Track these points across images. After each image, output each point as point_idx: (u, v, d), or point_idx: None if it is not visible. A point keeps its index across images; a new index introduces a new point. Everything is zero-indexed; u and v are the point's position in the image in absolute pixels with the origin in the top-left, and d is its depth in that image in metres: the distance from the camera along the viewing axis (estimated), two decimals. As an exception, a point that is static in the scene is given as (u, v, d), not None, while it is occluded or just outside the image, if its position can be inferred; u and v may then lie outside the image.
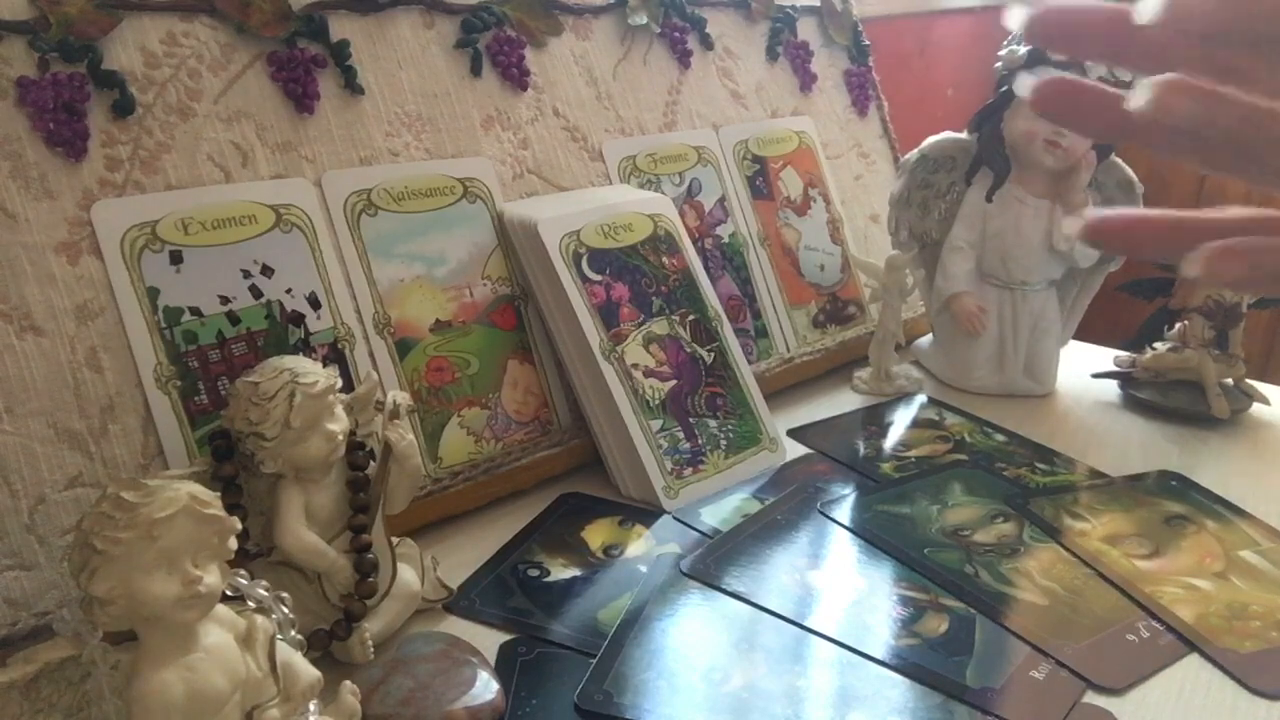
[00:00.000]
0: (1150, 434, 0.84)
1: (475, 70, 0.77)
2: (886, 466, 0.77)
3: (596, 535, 0.67)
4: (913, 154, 0.92)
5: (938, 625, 0.57)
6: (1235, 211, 0.28)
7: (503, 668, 0.53)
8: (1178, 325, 0.87)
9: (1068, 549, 0.65)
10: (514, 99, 0.79)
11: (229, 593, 0.43)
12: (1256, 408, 0.86)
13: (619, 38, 0.87)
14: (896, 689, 0.52)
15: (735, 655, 0.54)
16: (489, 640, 0.56)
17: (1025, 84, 0.27)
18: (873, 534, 0.66)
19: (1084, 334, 0.99)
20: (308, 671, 0.44)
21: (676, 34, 0.91)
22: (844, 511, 0.69)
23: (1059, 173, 0.86)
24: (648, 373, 0.73)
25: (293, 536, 0.52)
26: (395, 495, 0.57)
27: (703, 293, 0.79)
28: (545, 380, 0.75)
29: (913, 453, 0.79)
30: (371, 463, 0.56)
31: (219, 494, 0.41)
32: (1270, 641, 0.56)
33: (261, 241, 0.64)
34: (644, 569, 0.63)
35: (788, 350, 0.92)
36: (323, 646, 0.52)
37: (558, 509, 0.71)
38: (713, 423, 0.75)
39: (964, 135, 0.91)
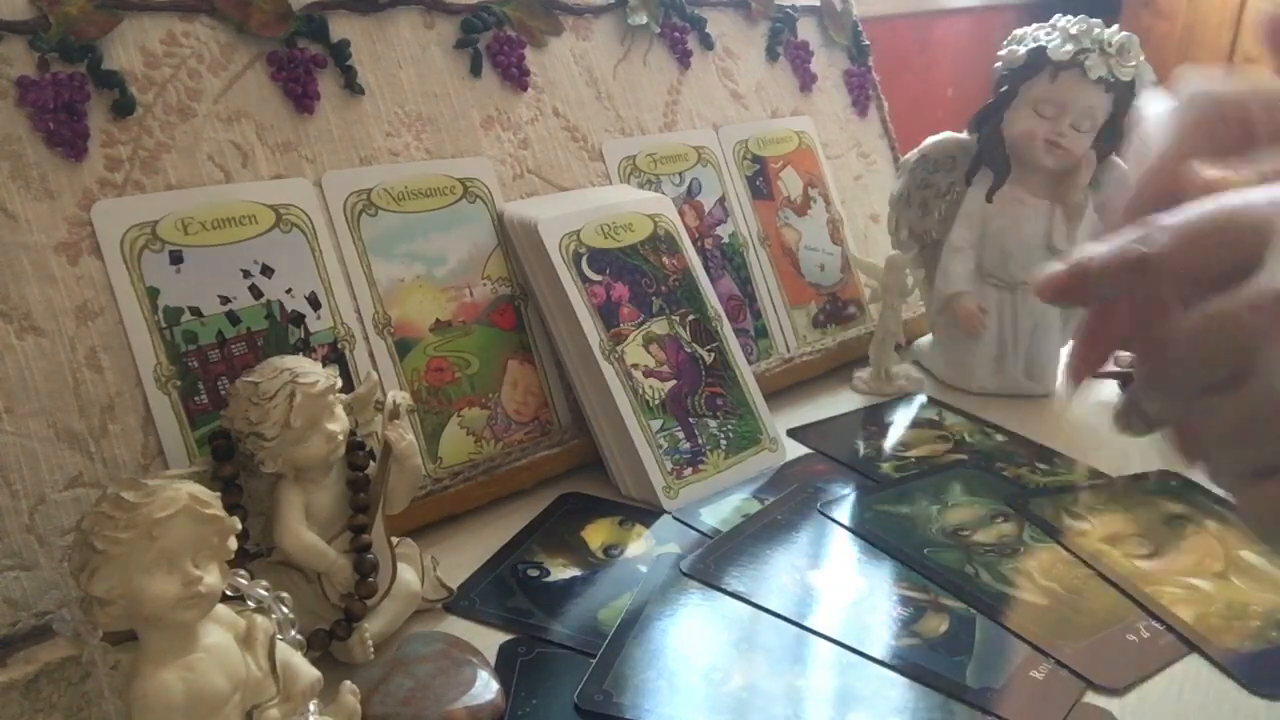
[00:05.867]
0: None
1: (475, 70, 0.77)
2: (886, 466, 0.77)
3: (596, 535, 0.67)
4: (913, 154, 0.92)
5: (938, 625, 0.57)
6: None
7: (503, 668, 0.53)
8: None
9: (1068, 549, 0.65)
10: (514, 99, 0.79)
11: (229, 593, 0.43)
12: (1256, 408, 0.86)
13: (619, 38, 0.87)
14: (896, 689, 0.52)
15: (735, 655, 0.54)
16: (489, 640, 0.56)
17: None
18: (873, 534, 0.66)
19: (1084, 334, 0.99)
20: (308, 671, 0.44)
21: (676, 34, 0.91)
22: (844, 511, 0.69)
23: (1059, 173, 0.86)
24: (648, 373, 0.73)
25: (293, 536, 0.52)
26: (395, 495, 0.57)
27: (703, 293, 0.79)
28: (545, 380, 0.75)
29: (913, 453, 0.79)
30: (371, 463, 0.56)
31: (219, 494, 0.41)
32: (1270, 641, 0.56)
33: (261, 241, 0.64)
34: (644, 569, 0.63)
35: (788, 350, 0.92)
36: (323, 646, 0.52)
37: (558, 509, 0.71)
38: (713, 423, 0.75)
39: (964, 135, 0.91)
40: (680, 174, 0.89)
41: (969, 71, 1.63)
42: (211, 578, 0.39)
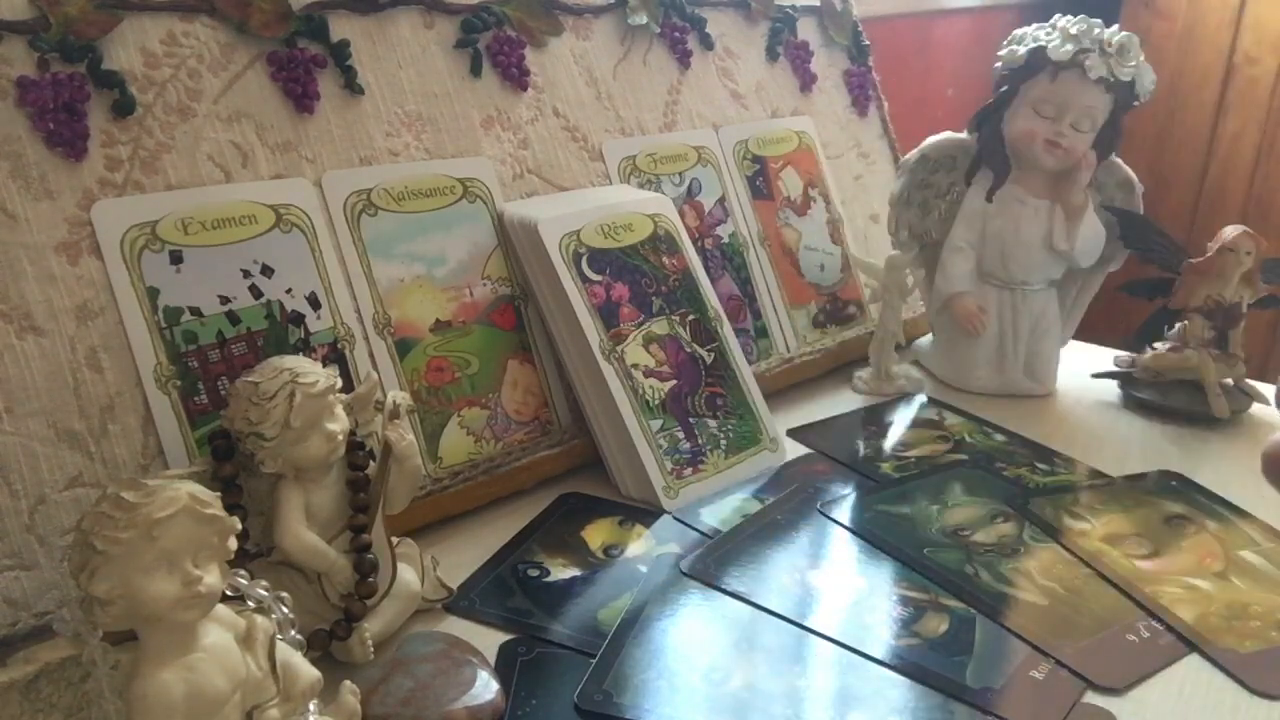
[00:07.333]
0: (1150, 434, 0.84)
1: (475, 70, 0.77)
2: (886, 466, 0.77)
3: (596, 535, 0.67)
4: (913, 154, 0.92)
5: (938, 625, 0.57)
6: None
7: (503, 668, 0.53)
8: (1178, 325, 0.87)
9: (1068, 549, 0.65)
10: (514, 99, 0.79)
11: (229, 593, 0.43)
12: (1256, 408, 0.86)
13: (619, 38, 0.87)
14: (896, 689, 0.52)
15: (735, 655, 0.54)
16: (489, 640, 0.56)
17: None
18: (873, 534, 0.66)
19: (1084, 334, 0.99)
20: (308, 671, 0.44)
21: (676, 34, 0.91)
22: (844, 511, 0.69)
23: (1059, 173, 0.86)
24: (648, 373, 0.73)
25: (293, 536, 0.52)
26: (395, 495, 0.57)
27: (703, 293, 0.79)
28: (545, 380, 0.75)
29: (913, 453, 0.79)
30: (371, 463, 0.56)
31: (219, 494, 0.41)
32: (1270, 641, 0.56)
33: (261, 241, 0.64)
34: (644, 569, 0.63)
35: (788, 350, 0.92)
36: (323, 646, 0.52)
37: (558, 509, 0.71)
38: (713, 423, 0.75)
39: (964, 135, 0.91)
40: (680, 174, 0.89)
41: (969, 71, 1.63)
42: (211, 578, 0.39)
